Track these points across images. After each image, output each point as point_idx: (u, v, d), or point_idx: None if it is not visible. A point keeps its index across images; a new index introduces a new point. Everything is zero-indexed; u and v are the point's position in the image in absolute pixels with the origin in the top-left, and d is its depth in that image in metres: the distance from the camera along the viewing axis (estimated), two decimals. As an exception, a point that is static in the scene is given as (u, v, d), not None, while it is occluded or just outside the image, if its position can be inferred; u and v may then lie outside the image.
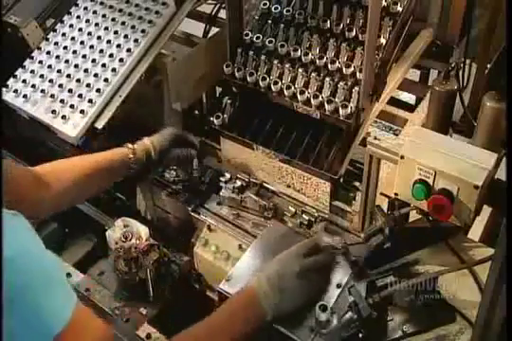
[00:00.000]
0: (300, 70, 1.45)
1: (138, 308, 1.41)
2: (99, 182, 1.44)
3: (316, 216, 1.51)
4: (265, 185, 1.60)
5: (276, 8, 1.54)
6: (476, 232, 1.40)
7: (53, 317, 0.85)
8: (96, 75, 1.65)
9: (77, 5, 1.81)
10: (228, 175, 1.65)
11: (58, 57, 1.73)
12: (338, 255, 1.24)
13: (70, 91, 1.65)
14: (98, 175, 1.40)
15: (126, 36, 1.67)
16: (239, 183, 1.60)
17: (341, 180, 1.50)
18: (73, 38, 1.75)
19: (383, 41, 1.41)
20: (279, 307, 1.11)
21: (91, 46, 1.70)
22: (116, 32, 1.69)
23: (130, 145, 1.47)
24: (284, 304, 1.12)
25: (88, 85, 1.64)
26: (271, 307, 1.11)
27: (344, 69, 1.42)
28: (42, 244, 0.87)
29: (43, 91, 1.68)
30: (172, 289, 1.45)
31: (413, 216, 1.20)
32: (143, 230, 1.45)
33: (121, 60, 1.65)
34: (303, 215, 1.51)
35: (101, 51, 1.68)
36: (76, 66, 1.69)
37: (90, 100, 1.61)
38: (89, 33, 1.73)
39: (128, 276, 1.41)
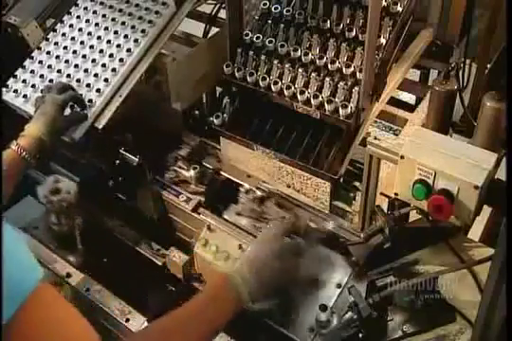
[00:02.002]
0: (300, 70, 1.45)
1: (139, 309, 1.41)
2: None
3: (268, 192, 1.54)
4: (283, 195, 1.59)
5: (276, 8, 1.54)
6: (476, 232, 1.40)
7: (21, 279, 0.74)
8: (96, 75, 1.65)
9: (77, 5, 1.80)
10: (247, 186, 1.63)
11: (58, 57, 1.73)
12: (320, 239, 1.24)
13: (70, 91, 1.65)
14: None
15: (126, 36, 1.67)
16: (259, 193, 1.59)
17: (341, 180, 1.50)
18: (73, 38, 1.74)
19: (383, 41, 1.41)
20: (256, 289, 1.09)
21: (91, 46, 1.70)
22: (116, 32, 1.69)
23: (14, 142, 1.40)
24: (262, 285, 1.10)
25: (88, 85, 1.64)
26: (249, 290, 1.08)
27: (344, 69, 1.42)
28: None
29: (43, 91, 1.68)
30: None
31: (413, 216, 1.20)
32: (72, 185, 1.54)
33: (121, 60, 1.64)
34: (257, 191, 1.54)
35: (101, 51, 1.68)
36: (76, 66, 1.69)
37: (90, 100, 1.61)
38: (89, 33, 1.73)
39: (58, 227, 1.54)
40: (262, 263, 1.12)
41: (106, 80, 1.63)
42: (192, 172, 1.67)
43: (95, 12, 1.76)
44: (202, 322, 1.06)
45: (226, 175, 1.68)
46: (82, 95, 1.61)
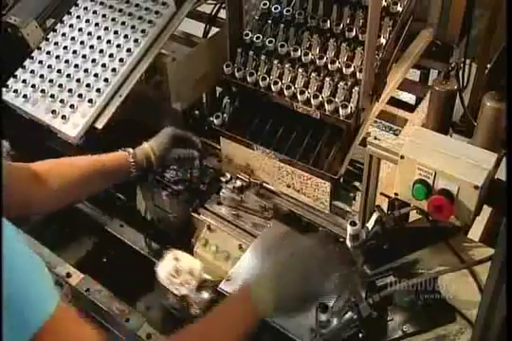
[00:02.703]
0: (300, 70, 1.45)
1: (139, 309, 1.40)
2: (96, 184, 1.43)
3: (248, 182, 1.55)
4: (265, 185, 1.60)
5: (276, 8, 1.54)
6: (476, 232, 1.40)
7: (32, 312, 0.79)
8: (96, 75, 1.65)
9: (77, 5, 1.81)
10: (228, 175, 1.65)
11: (58, 57, 1.73)
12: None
13: (70, 91, 1.65)
14: (96, 177, 1.39)
15: (126, 36, 1.67)
16: (239, 183, 1.60)
17: (341, 180, 1.50)
18: (73, 38, 1.75)
19: (383, 41, 1.41)
20: (277, 304, 1.06)
21: (91, 46, 1.70)
22: (116, 32, 1.69)
23: (131, 149, 1.47)
24: (285, 299, 1.06)
25: (88, 85, 1.64)
26: (268, 306, 1.05)
27: (344, 69, 1.42)
28: (21, 241, 0.82)
29: (43, 91, 1.68)
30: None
31: (413, 216, 1.20)
32: (195, 264, 1.36)
33: (121, 60, 1.65)
34: (237, 181, 1.56)
35: (101, 51, 1.68)
36: (76, 66, 1.69)
37: (90, 100, 1.61)
38: (89, 33, 1.73)
39: (179, 312, 1.33)
40: (283, 277, 1.08)
41: (106, 79, 1.63)
42: (192, 172, 1.67)
43: (95, 12, 1.77)
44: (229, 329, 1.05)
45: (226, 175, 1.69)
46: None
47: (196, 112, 2.03)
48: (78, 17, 1.78)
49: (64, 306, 0.84)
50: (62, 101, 1.64)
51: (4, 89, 1.73)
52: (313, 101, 1.41)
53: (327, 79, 1.42)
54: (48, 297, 0.82)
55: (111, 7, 1.75)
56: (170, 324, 1.37)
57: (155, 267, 1.38)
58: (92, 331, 0.89)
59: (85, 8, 1.78)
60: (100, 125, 1.61)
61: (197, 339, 1.04)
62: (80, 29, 1.75)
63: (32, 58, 1.77)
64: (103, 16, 1.74)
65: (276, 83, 1.46)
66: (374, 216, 1.19)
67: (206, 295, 1.32)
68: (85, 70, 1.66)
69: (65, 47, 1.74)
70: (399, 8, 1.43)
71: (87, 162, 1.40)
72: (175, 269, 1.34)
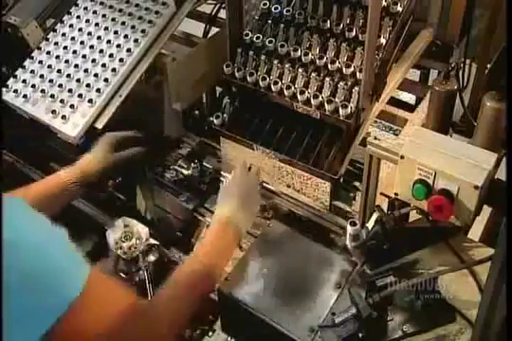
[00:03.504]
0: (300, 70, 1.45)
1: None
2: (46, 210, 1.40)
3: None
4: (265, 185, 1.60)
5: (276, 8, 1.54)
6: (476, 232, 1.39)
7: (65, 287, 0.85)
8: (96, 75, 1.65)
9: (77, 5, 1.81)
10: (228, 175, 1.65)
11: (58, 57, 1.73)
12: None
13: (70, 91, 1.65)
14: (42, 206, 1.30)
15: (126, 36, 1.67)
16: None
17: (341, 180, 1.50)
18: (73, 38, 1.75)
19: (383, 41, 1.41)
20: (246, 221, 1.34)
21: (91, 46, 1.70)
22: (116, 32, 1.69)
23: (66, 168, 1.46)
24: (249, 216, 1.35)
25: (88, 85, 1.64)
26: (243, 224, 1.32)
27: (344, 69, 1.42)
28: (44, 223, 0.91)
29: (43, 91, 1.68)
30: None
31: (413, 216, 1.20)
32: (143, 230, 1.45)
33: (121, 60, 1.65)
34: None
35: (101, 51, 1.68)
36: (76, 66, 1.69)
37: (90, 100, 1.61)
38: (89, 33, 1.73)
39: (128, 276, 1.40)
40: (243, 200, 1.35)
41: (106, 79, 1.63)
42: (192, 172, 1.67)
43: (95, 12, 1.77)
44: (221, 249, 1.27)
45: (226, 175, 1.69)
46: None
47: (196, 112, 2.03)
48: (78, 17, 1.78)
49: (95, 271, 0.92)
50: (62, 101, 1.64)
51: (4, 89, 1.73)
52: (313, 101, 1.41)
53: (327, 79, 1.42)
54: (81, 264, 0.91)
55: (111, 7, 1.75)
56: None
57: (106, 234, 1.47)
58: (124, 292, 0.99)
59: (85, 9, 1.78)
60: (100, 125, 1.61)
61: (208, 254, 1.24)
62: (80, 29, 1.75)
63: (32, 58, 1.77)
64: (103, 16, 1.74)
65: (276, 83, 1.46)
66: (374, 216, 1.19)
67: (152, 258, 1.44)
68: (85, 70, 1.66)
69: (65, 47, 1.74)
70: (399, 8, 1.43)
71: (29, 194, 1.34)
72: (124, 235, 1.43)
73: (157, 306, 1.07)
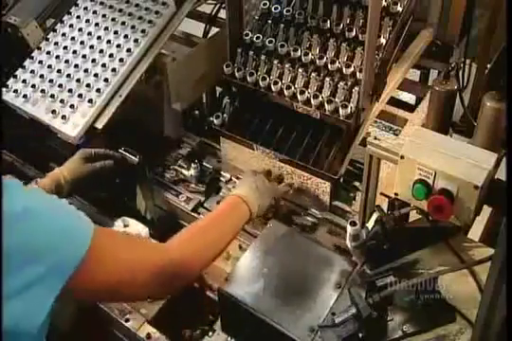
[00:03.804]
0: (300, 70, 1.45)
1: (139, 309, 1.41)
2: None
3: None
4: None
5: (276, 8, 1.54)
6: (476, 232, 1.39)
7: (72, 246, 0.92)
8: (96, 75, 1.65)
9: (77, 5, 1.81)
10: (228, 175, 1.65)
11: (58, 57, 1.73)
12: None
13: (70, 91, 1.65)
14: None
15: (126, 36, 1.67)
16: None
17: (341, 180, 1.51)
18: (73, 38, 1.75)
19: (383, 41, 1.41)
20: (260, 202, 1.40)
21: (91, 46, 1.70)
22: (116, 32, 1.69)
23: (39, 179, 1.47)
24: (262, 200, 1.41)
25: (88, 85, 1.64)
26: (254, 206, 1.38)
27: (344, 69, 1.42)
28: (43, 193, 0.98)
29: (43, 91, 1.68)
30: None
31: (413, 216, 1.20)
32: (143, 230, 1.45)
33: (121, 60, 1.64)
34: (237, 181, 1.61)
35: (101, 51, 1.68)
36: (76, 66, 1.69)
37: (90, 100, 1.61)
38: (89, 33, 1.73)
39: None
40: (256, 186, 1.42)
41: (106, 79, 1.63)
42: (191, 172, 1.67)
43: (95, 12, 1.76)
44: (230, 220, 1.34)
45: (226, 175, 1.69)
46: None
47: (196, 112, 2.03)
48: (78, 17, 1.78)
49: (99, 228, 0.99)
50: (62, 101, 1.64)
51: (4, 89, 1.73)
52: (313, 101, 1.41)
53: (327, 79, 1.42)
54: (86, 222, 0.98)
55: (111, 7, 1.75)
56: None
57: None
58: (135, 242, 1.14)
59: (85, 9, 1.78)
60: (100, 125, 1.61)
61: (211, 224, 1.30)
62: (80, 29, 1.75)
63: (32, 58, 1.77)
64: (103, 16, 1.74)
65: (276, 83, 1.46)
66: (374, 216, 1.19)
67: None
68: (85, 70, 1.66)
69: (65, 47, 1.74)
70: (399, 8, 1.43)
71: None
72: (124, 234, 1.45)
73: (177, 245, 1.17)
